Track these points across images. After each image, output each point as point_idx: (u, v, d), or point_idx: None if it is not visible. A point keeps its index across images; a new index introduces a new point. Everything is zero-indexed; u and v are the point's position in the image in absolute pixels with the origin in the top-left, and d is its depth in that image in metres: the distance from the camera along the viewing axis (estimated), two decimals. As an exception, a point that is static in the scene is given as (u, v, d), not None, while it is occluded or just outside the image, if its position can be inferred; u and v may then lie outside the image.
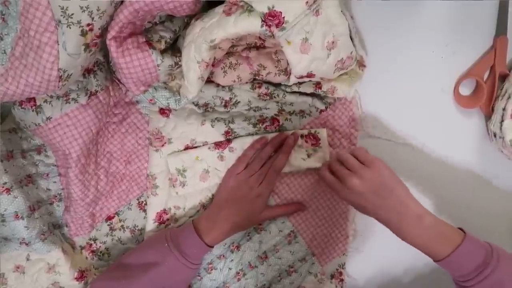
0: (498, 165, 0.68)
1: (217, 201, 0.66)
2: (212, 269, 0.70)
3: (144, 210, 0.69)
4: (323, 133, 0.67)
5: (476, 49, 0.66)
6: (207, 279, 0.70)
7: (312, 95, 0.67)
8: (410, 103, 0.67)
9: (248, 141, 0.67)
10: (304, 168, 0.68)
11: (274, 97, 0.65)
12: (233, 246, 0.70)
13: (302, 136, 0.67)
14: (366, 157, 0.59)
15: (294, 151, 0.67)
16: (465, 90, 0.67)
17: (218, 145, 0.67)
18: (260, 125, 0.68)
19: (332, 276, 0.70)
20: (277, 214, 0.69)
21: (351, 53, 0.60)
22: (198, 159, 0.67)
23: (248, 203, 0.65)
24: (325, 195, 0.70)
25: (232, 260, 0.70)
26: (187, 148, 0.68)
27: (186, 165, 0.67)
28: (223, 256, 0.70)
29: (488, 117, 0.66)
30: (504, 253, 0.53)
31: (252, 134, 0.68)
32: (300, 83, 0.65)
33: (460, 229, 0.55)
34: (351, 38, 0.60)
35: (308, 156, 0.67)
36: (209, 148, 0.67)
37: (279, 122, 0.68)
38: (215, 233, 0.63)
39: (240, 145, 0.67)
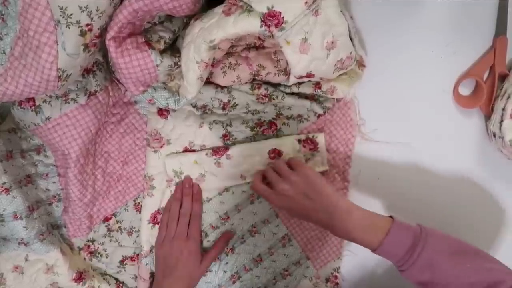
0: (497, 165, 0.68)
1: (156, 278, 0.67)
2: (207, 272, 0.70)
3: (141, 212, 0.69)
4: (321, 137, 0.67)
5: (476, 49, 0.66)
6: (202, 281, 0.70)
7: (311, 98, 0.67)
8: (410, 103, 0.67)
9: (244, 148, 0.67)
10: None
11: (273, 99, 0.65)
12: (227, 249, 0.70)
13: (300, 141, 0.67)
14: (295, 163, 0.61)
15: (292, 156, 0.67)
16: (465, 90, 0.67)
17: (215, 151, 0.67)
18: (258, 129, 0.68)
19: (327, 280, 0.70)
20: (214, 258, 0.69)
21: (351, 53, 0.60)
22: (196, 163, 0.67)
23: (184, 266, 0.65)
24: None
25: (227, 263, 0.70)
26: (185, 150, 0.68)
27: (183, 168, 0.67)
28: (218, 259, 0.70)
29: (487, 117, 0.66)
30: (434, 232, 0.54)
31: (250, 139, 0.68)
32: (299, 83, 0.64)
33: (391, 217, 0.56)
34: (351, 38, 0.60)
35: (306, 161, 0.67)
36: (206, 154, 0.67)
37: (276, 126, 0.68)
38: None
39: (237, 153, 0.67)
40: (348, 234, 0.56)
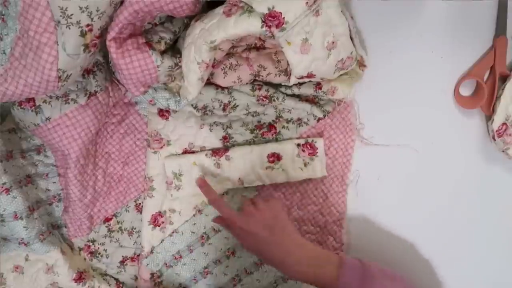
0: (498, 165, 0.68)
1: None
2: (207, 274, 0.70)
3: (142, 213, 0.69)
4: (320, 142, 0.67)
5: (476, 49, 0.66)
6: (203, 283, 0.70)
7: (311, 101, 0.67)
8: (410, 103, 0.67)
9: (244, 151, 0.67)
10: (300, 178, 0.68)
11: (274, 100, 0.65)
12: (228, 252, 0.70)
13: (298, 145, 0.67)
14: (268, 198, 0.61)
15: (291, 161, 0.67)
16: (466, 90, 0.67)
17: (215, 152, 0.67)
18: (257, 131, 0.68)
19: None
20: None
21: (351, 53, 0.60)
22: (195, 164, 0.67)
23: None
24: (319, 203, 0.70)
25: (227, 266, 0.70)
26: (185, 152, 0.68)
27: (182, 170, 0.67)
28: (219, 261, 0.70)
29: (488, 117, 0.66)
30: (375, 271, 0.55)
31: (249, 142, 0.68)
32: (300, 84, 0.64)
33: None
34: (351, 38, 0.60)
35: (305, 165, 0.67)
36: (206, 155, 0.67)
37: (276, 129, 0.68)
38: None
39: (237, 155, 0.67)
40: (298, 271, 0.55)
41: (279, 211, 0.59)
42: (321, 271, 0.55)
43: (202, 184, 0.63)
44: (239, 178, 0.67)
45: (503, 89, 0.63)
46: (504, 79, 0.64)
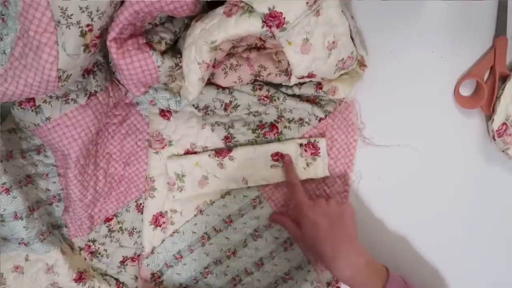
0: (498, 166, 0.68)
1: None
2: (208, 274, 0.70)
3: (143, 213, 0.69)
4: (322, 142, 0.67)
5: (476, 49, 0.66)
6: (203, 283, 0.70)
7: (312, 102, 0.67)
8: (410, 103, 0.67)
9: (247, 151, 0.67)
10: (302, 178, 0.68)
11: (274, 100, 0.65)
12: (229, 252, 0.70)
13: (301, 145, 0.67)
14: (341, 201, 0.65)
15: (294, 161, 0.67)
16: (466, 90, 0.67)
17: (218, 153, 0.67)
18: (259, 131, 0.68)
19: (329, 284, 0.70)
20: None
21: (352, 53, 0.60)
22: (197, 165, 0.67)
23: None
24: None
25: (228, 266, 0.70)
26: (187, 152, 0.68)
27: (185, 171, 0.67)
28: (219, 261, 0.70)
29: (488, 117, 0.66)
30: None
31: (252, 141, 0.68)
32: (301, 84, 0.64)
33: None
34: (352, 38, 0.60)
35: (307, 165, 0.67)
36: (209, 155, 0.67)
37: (278, 129, 0.68)
38: None
39: (240, 155, 0.67)
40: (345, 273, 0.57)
41: (347, 213, 0.61)
42: (369, 280, 0.56)
43: (289, 162, 0.66)
44: (243, 178, 0.67)
45: (503, 89, 0.63)
46: (504, 79, 0.65)
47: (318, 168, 0.68)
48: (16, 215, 0.61)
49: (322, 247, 0.59)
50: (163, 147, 0.67)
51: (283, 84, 0.65)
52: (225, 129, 0.67)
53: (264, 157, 0.67)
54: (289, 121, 0.68)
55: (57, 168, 0.66)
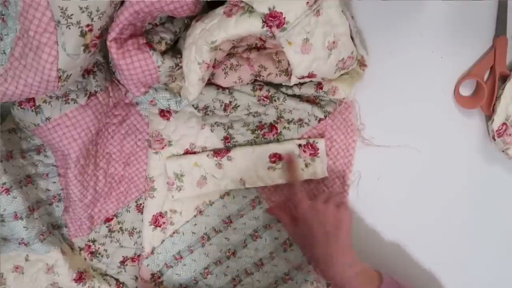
0: (498, 166, 0.68)
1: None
2: (208, 274, 0.70)
3: (143, 213, 0.69)
4: (321, 143, 0.67)
5: (476, 49, 0.66)
6: (202, 283, 0.70)
7: (312, 102, 0.67)
8: (410, 103, 0.67)
9: (246, 151, 0.67)
10: (302, 179, 0.68)
11: (274, 100, 0.65)
12: (229, 252, 0.70)
13: (300, 145, 0.67)
14: (341, 202, 0.64)
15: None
16: (466, 90, 0.67)
17: (217, 153, 0.67)
18: (259, 132, 0.68)
19: (328, 284, 0.70)
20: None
21: (352, 53, 0.60)
22: (196, 165, 0.67)
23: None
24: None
25: (228, 266, 0.70)
26: (186, 152, 0.68)
27: (184, 170, 0.67)
28: (219, 261, 0.70)
29: (488, 117, 0.66)
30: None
31: (251, 142, 0.68)
32: (301, 84, 0.64)
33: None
34: (352, 38, 0.60)
35: (306, 166, 0.67)
36: (207, 155, 0.67)
37: (277, 129, 0.68)
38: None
39: (239, 155, 0.67)
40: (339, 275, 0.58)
41: (344, 222, 0.60)
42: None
43: (291, 160, 0.66)
44: (240, 179, 0.67)
45: (503, 89, 0.63)
46: (504, 79, 0.65)
47: (317, 169, 0.68)
48: (16, 215, 0.61)
49: (315, 251, 0.59)
50: (162, 147, 0.67)
51: (283, 84, 0.65)
52: (225, 129, 0.67)
53: (262, 158, 0.67)
54: (289, 122, 0.68)
55: (57, 168, 0.66)
